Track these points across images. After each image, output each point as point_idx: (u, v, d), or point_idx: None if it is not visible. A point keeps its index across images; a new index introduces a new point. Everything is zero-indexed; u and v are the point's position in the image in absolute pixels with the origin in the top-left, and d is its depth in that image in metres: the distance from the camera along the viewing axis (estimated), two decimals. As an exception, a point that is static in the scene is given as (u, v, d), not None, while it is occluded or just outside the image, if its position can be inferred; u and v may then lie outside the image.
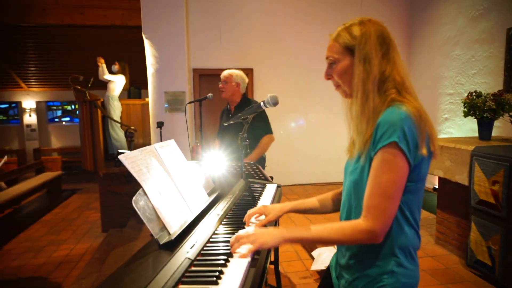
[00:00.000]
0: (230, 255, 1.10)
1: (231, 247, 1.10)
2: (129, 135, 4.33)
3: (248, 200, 1.75)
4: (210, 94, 3.33)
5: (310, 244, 1.05)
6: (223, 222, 1.42)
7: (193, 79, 5.80)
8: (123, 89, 6.47)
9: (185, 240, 1.20)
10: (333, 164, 5.70)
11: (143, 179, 1.22)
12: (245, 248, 1.06)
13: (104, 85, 6.24)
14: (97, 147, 5.30)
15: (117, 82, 6.19)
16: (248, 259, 1.05)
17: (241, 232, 1.10)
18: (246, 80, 3.11)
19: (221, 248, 1.17)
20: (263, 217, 1.34)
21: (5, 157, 4.83)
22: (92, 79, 5.36)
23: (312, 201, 1.37)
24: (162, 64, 5.28)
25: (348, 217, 1.14)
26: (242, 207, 1.63)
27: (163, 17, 5.15)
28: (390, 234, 1.03)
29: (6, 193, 3.18)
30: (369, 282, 1.06)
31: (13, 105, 10.29)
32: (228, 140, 2.98)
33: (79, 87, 5.34)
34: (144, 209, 1.16)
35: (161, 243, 1.13)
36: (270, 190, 2.00)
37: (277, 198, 1.93)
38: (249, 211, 1.37)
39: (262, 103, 1.76)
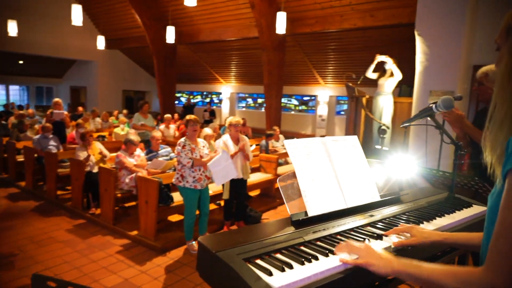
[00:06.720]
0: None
1: (338, 246, 1.10)
2: (381, 132, 4.42)
3: (425, 215, 1.55)
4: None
5: (414, 282, 0.79)
6: (370, 224, 1.39)
7: (471, 78, 5.03)
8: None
9: (318, 225, 1.31)
10: None
11: (297, 164, 1.42)
12: (349, 257, 1.05)
13: (371, 83, 6.47)
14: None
15: (396, 79, 5.97)
16: (340, 264, 1.04)
17: (355, 243, 1.07)
18: None
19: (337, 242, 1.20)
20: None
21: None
22: (362, 77, 5.76)
23: (467, 235, 1.09)
24: (432, 61, 4.91)
25: (483, 257, 0.88)
26: (407, 220, 1.48)
27: (439, 11, 4.75)
28: None
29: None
30: None
31: (312, 97, 12.52)
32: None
33: (350, 84, 5.89)
34: (287, 188, 1.37)
35: (292, 219, 1.31)
36: (466, 214, 1.63)
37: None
38: (397, 227, 1.27)
39: (434, 106, 1.47)
